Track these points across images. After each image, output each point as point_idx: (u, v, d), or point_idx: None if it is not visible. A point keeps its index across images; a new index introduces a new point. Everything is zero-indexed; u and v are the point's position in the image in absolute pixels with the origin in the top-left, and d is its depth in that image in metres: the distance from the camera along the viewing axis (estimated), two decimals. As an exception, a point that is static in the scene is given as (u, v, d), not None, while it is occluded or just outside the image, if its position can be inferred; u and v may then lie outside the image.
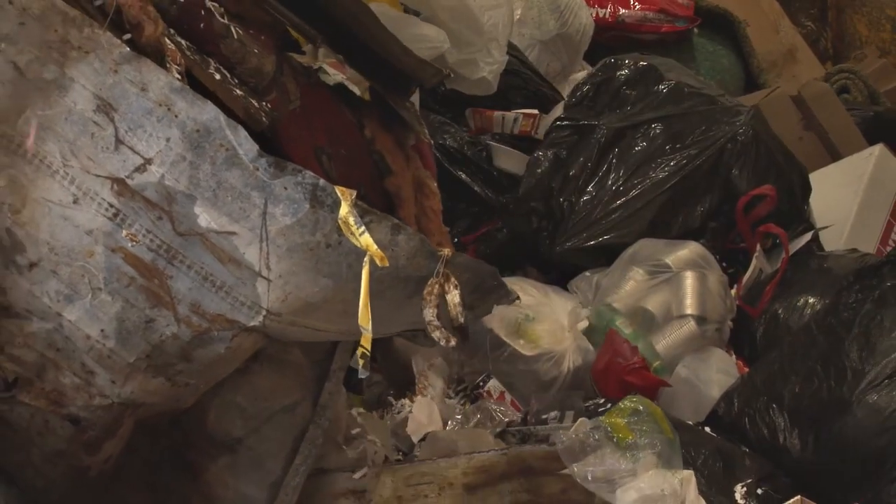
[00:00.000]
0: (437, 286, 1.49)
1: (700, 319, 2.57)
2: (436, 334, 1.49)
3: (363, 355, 1.42)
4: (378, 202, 1.87)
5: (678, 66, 3.12)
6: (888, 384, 2.06)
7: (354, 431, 1.98)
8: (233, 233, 1.43)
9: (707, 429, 2.29)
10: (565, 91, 3.29)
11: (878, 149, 3.24)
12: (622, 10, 3.88)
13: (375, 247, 1.39)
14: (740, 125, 2.83)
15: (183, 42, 1.53)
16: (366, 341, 1.41)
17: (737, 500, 2.07)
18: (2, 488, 1.55)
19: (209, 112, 1.40)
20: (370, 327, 1.41)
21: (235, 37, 1.59)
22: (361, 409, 2.22)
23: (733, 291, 2.73)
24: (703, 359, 2.53)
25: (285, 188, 1.40)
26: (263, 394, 1.75)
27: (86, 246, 1.45)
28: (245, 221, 1.42)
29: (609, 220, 2.78)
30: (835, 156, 3.45)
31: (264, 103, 1.61)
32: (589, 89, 2.97)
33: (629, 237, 2.74)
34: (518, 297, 1.80)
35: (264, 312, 1.47)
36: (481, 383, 2.50)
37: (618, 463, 1.81)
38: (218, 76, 1.55)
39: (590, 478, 1.81)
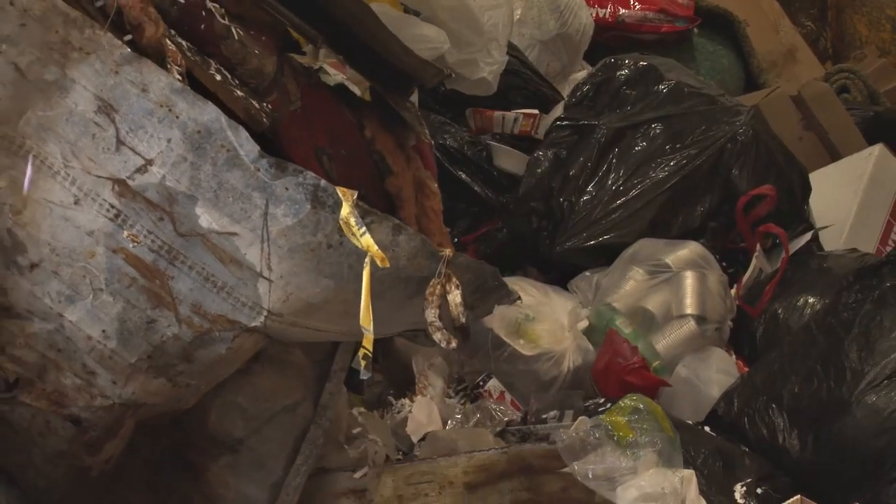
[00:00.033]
0: (438, 286, 1.49)
1: (700, 319, 2.57)
2: (437, 336, 1.49)
3: (365, 356, 1.42)
4: (378, 203, 1.87)
5: (678, 66, 3.12)
6: (887, 385, 2.07)
7: (356, 431, 1.98)
8: (234, 233, 1.43)
9: (707, 428, 2.29)
10: (565, 91, 3.29)
11: (877, 149, 3.25)
12: (622, 10, 3.88)
13: (376, 247, 1.39)
14: (740, 125, 2.84)
15: (184, 43, 1.53)
16: (367, 342, 1.41)
17: (736, 500, 2.07)
18: (3, 489, 1.55)
19: (210, 113, 1.40)
20: (371, 328, 1.41)
21: (236, 38, 1.59)
22: (362, 409, 2.22)
23: (733, 291, 2.73)
24: (703, 359, 2.54)
25: (286, 189, 1.40)
26: (264, 394, 1.75)
27: (87, 247, 1.45)
28: (246, 222, 1.42)
29: (609, 219, 2.78)
30: (835, 156, 3.45)
31: (265, 104, 1.61)
32: (589, 89, 2.97)
33: (629, 237, 2.74)
34: (519, 298, 1.80)
35: (265, 313, 1.47)
36: (481, 383, 2.50)
37: (618, 461, 1.81)
38: (219, 77, 1.55)
39: (590, 476, 1.81)
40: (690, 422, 2.31)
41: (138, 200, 1.43)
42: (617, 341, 2.46)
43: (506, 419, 2.35)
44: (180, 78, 1.43)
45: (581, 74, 3.40)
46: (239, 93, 1.57)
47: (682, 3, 3.97)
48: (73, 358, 1.49)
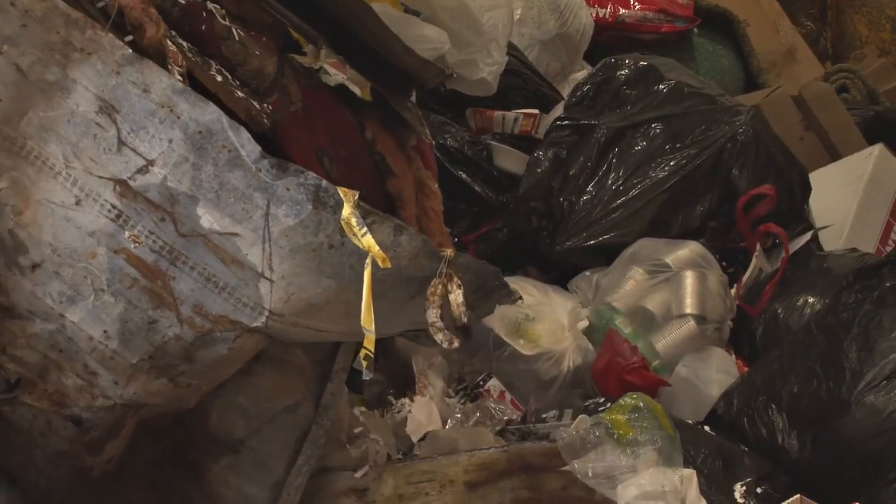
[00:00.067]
0: (440, 286, 1.49)
1: (700, 319, 2.57)
2: (438, 336, 1.49)
3: (366, 356, 1.42)
4: (379, 203, 1.87)
5: (678, 66, 3.12)
6: (886, 385, 2.07)
7: (357, 430, 1.98)
8: (235, 234, 1.43)
9: (707, 428, 2.29)
10: (565, 91, 3.29)
11: (877, 149, 3.25)
12: (622, 10, 3.88)
13: (378, 248, 1.40)
14: (740, 125, 2.84)
15: (184, 44, 1.53)
16: (369, 342, 1.42)
17: (736, 499, 2.07)
18: (4, 489, 1.55)
19: (211, 113, 1.40)
20: (373, 328, 1.41)
21: (237, 38, 1.60)
22: (363, 409, 2.23)
23: (733, 291, 2.73)
24: (703, 358, 2.54)
25: (288, 189, 1.40)
26: (265, 394, 1.75)
27: (88, 247, 1.46)
28: (248, 222, 1.42)
29: (609, 219, 2.78)
30: (835, 156, 3.45)
31: (266, 105, 1.61)
32: (589, 89, 2.97)
33: (629, 237, 2.74)
34: (521, 297, 1.81)
35: (267, 313, 1.47)
36: (481, 382, 2.50)
37: (618, 459, 1.81)
38: (219, 78, 1.55)
39: (590, 474, 1.81)
40: (690, 421, 2.31)
41: (140, 201, 1.43)
42: (617, 341, 2.46)
43: (506, 419, 2.35)
44: (181, 79, 1.44)
45: (581, 74, 3.40)
46: (240, 94, 1.57)
47: (682, 3, 3.97)
48: (74, 358, 1.49)
